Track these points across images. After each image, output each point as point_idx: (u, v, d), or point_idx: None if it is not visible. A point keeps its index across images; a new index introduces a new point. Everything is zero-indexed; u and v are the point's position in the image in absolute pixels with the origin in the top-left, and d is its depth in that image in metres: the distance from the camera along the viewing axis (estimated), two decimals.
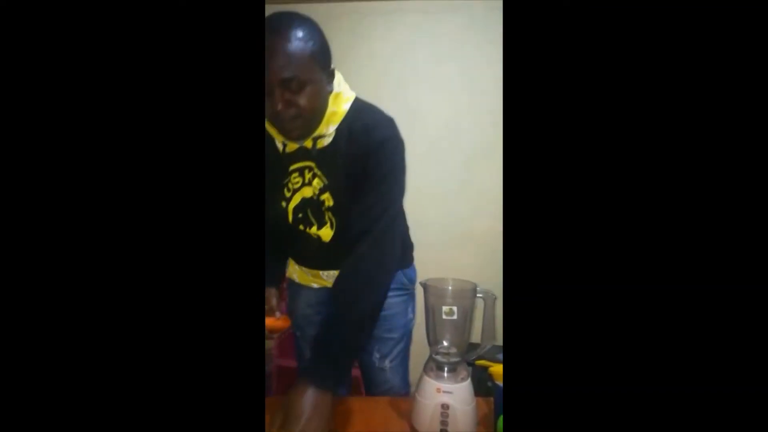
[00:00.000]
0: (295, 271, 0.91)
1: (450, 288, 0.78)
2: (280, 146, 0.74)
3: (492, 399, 0.82)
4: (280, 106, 0.63)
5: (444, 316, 0.75)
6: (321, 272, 0.88)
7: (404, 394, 0.93)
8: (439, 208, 1.61)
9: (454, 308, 0.75)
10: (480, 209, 1.71)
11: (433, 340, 0.80)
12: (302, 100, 0.65)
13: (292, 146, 0.73)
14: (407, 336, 0.94)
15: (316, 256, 0.86)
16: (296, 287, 0.93)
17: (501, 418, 0.65)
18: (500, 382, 0.77)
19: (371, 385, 0.94)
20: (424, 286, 0.79)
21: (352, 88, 0.77)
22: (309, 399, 0.58)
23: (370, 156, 0.70)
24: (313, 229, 0.79)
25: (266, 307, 0.80)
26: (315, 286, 0.90)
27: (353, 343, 0.67)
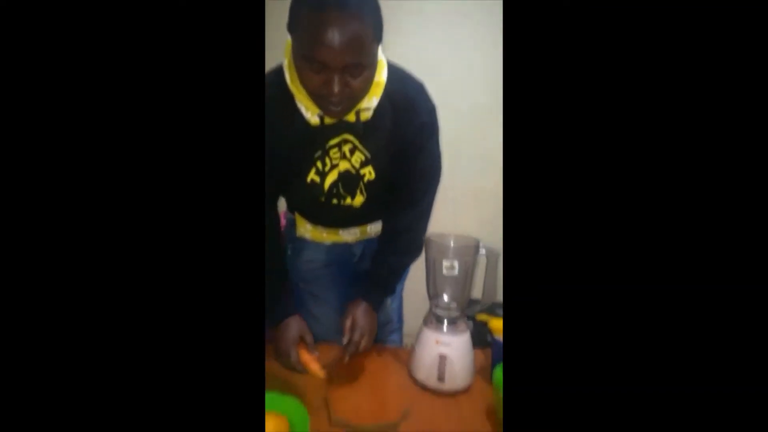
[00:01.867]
0: (307, 231, 0.89)
1: (452, 244, 0.77)
2: (314, 119, 0.66)
3: (490, 351, 0.84)
4: (337, 90, 0.57)
5: (444, 272, 0.75)
6: (340, 230, 0.87)
7: (398, 339, 1.02)
8: (444, 166, 1.59)
9: (455, 263, 0.75)
10: (485, 168, 1.68)
11: (433, 294, 0.80)
12: (359, 83, 0.59)
13: (329, 120, 0.67)
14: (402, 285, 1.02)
15: (340, 219, 0.85)
16: (303, 242, 0.92)
17: (498, 367, 0.67)
18: (498, 336, 0.79)
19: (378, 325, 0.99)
20: (427, 240, 0.78)
21: None
22: (370, 315, 0.79)
23: (416, 132, 0.72)
24: (347, 201, 0.77)
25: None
26: (327, 243, 0.89)
27: (395, 283, 0.86)
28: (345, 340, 0.76)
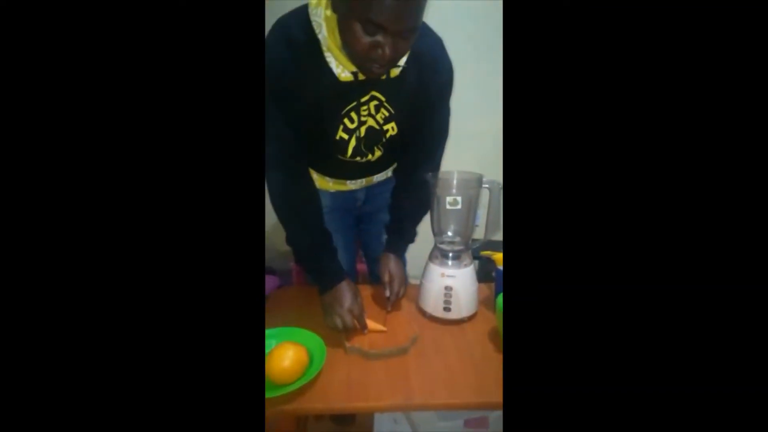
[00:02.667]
0: (314, 181, 0.88)
1: (455, 179, 0.78)
2: (346, 75, 0.64)
3: (494, 285, 0.88)
4: (389, 53, 0.56)
5: (448, 206, 0.76)
6: (348, 181, 0.88)
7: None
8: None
9: (459, 198, 0.76)
10: (486, 106, 1.64)
11: (437, 231, 0.83)
12: (407, 46, 0.58)
13: (362, 76, 0.65)
14: None
15: (352, 172, 0.85)
16: None
17: (500, 296, 0.70)
18: (500, 266, 0.82)
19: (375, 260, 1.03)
20: (431, 178, 0.79)
21: None
22: (400, 265, 0.86)
23: (438, 90, 0.73)
24: (368, 157, 0.78)
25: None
26: (331, 190, 0.90)
27: (415, 232, 0.90)
28: (387, 293, 0.81)
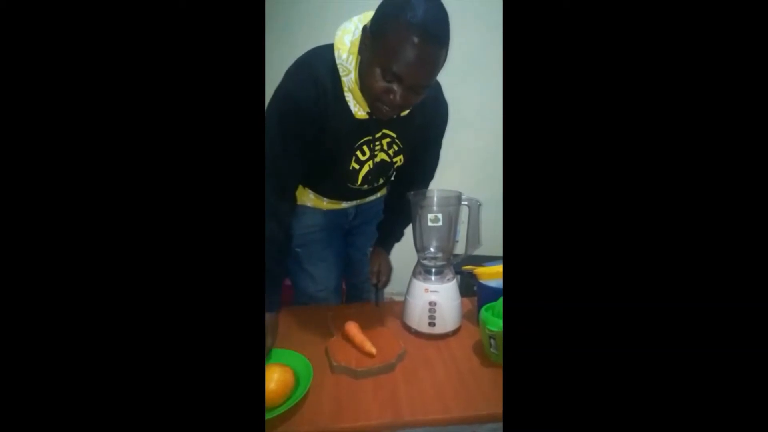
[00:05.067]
0: (309, 200, 0.90)
1: (435, 196, 0.80)
2: (362, 114, 0.70)
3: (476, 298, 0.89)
4: (398, 101, 0.62)
5: (429, 223, 0.78)
6: (344, 202, 0.92)
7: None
8: None
9: (439, 215, 0.78)
10: (465, 126, 1.69)
11: (420, 247, 0.84)
12: (417, 99, 0.64)
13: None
14: None
15: (352, 194, 0.90)
16: (302, 208, 0.92)
17: (483, 308, 0.72)
18: (483, 280, 0.84)
19: (359, 275, 1.08)
20: (413, 196, 0.81)
21: None
22: (387, 259, 0.99)
23: (438, 127, 0.85)
24: (377, 184, 0.86)
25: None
26: (324, 209, 0.92)
27: (402, 234, 1.00)
28: (374, 280, 0.95)
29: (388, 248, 1.00)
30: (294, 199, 0.84)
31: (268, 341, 0.70)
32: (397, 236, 0.99)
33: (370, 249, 1.01)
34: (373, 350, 0.71)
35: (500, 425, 0.91)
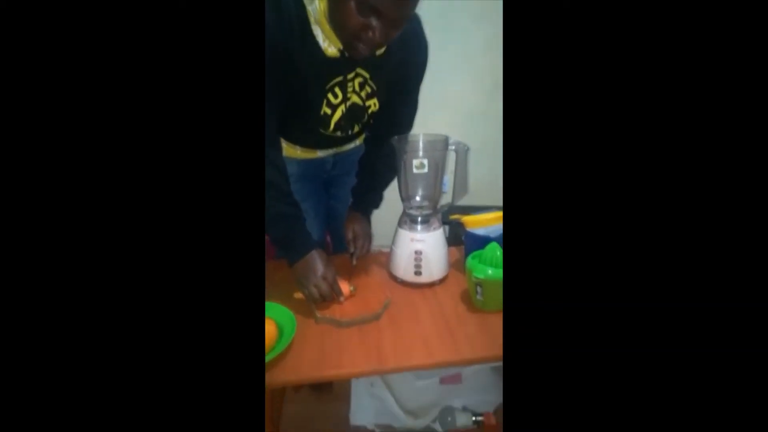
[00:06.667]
0: (281, 148, 0.84)
1: (421, 141, 0.76)
2: (332, 51, 0.63)
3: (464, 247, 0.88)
4: (378, 37, 0.55)
5: (415, 170, 0.75)
6: (318, 150, 0.85)
7: None
8: None
9: (425, 161, 0.74)
10: (454, 71, 1.61)
11: (405, 196, 0.81)
12: (396, 33, 0.58)
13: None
14: None
15: (326, 142, 0.84)
16: None
17: (470, 256, 0.70)
18: (470, 228, 0.82)
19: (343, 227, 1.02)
20: (398, 140, 0.76)
21: None
22: (365, 224, 0.88)
23: (416, 69, 0.75)
24: (351, 131, 0.78)
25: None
26: (299, 158, 0.86)
27: (381, 196, 0.91)
28: (351, 249, 0.85)
29: (364, 212, 0.90)
30: (280, 142, 0.77)
31: (329, 275, 0.70)
32: (374, 199, 0.89)
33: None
34: (348, 288, 0.73)
35: (484, 366, 0.94)
